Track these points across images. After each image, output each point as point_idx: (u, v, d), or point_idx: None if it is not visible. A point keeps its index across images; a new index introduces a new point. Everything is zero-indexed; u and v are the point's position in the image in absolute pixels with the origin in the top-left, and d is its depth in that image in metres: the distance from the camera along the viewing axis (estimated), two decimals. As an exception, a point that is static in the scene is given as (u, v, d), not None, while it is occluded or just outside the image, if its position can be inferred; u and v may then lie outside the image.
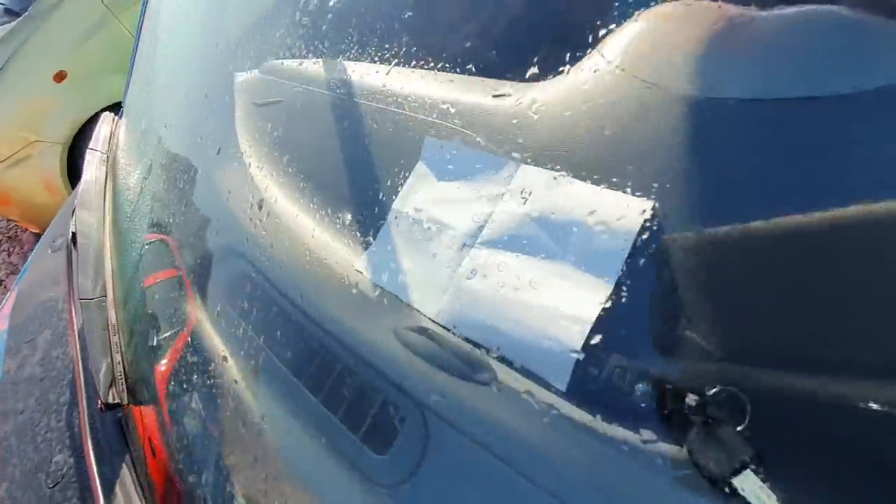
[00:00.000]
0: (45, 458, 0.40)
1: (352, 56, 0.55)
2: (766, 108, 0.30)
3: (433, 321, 0.37)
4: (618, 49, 0.36)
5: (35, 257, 0.56)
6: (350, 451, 0.29)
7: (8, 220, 2.92)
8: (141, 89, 0.67)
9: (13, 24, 1.97)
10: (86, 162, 0.54)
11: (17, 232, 2.86)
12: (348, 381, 0.34)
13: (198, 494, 0.32)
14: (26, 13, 1.96)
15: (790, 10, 0.33)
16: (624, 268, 0.32)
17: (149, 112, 0.61)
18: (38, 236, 2.36)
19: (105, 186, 0.53)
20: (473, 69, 0.46)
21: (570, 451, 0.30)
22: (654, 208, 0.32)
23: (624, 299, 0.31)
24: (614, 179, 0.33)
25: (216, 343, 0.39)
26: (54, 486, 0.38)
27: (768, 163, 0.29)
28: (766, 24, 0.35)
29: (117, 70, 1.90)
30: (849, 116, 0.27)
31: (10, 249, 2.71)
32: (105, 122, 0.61)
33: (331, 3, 0.59)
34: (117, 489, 0.33)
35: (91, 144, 0.56)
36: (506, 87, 0.43)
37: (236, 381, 0.37)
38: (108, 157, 0.56)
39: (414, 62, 0.49)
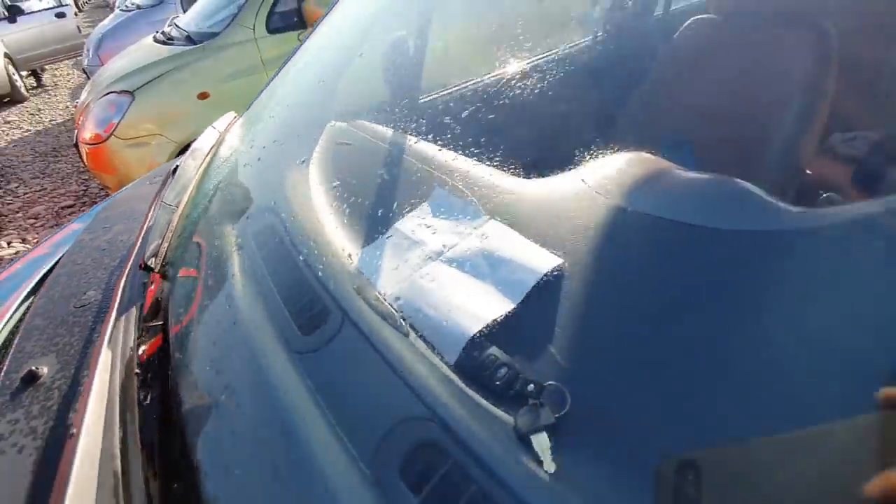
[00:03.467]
0: (80, 292, 0.53)
1: (403, 129, 0.75)
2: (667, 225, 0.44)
3: (385, 298, 0.50)
4: (590, 171, 0.52)
5: (134, 183, 0.74)
6: (292, 334, 0.40)
7: (101, 189, 3.35)
8: (261, 110, 0.91)
9: (189, 48, 2.50)
10: (204, 133, 0.75)
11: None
12: (315, 305, 0.47)
13: (173, 341, 0.44)
14: (201, 44, 2.50)
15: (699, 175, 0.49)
16: (524, 297, 0.45)
17: (261, 124, 0.83)
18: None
19: (208, 156, 0.73)
20: (487, 159, 0.63)
21: (436, 392, 0.39)
22: (558, 266, 0.45)
23: (513, 315, 0.43)
24: (548, 243, 0.47)
25: (228, 260, 0.53)
26: (78, 307, 0.51)
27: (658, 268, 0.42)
28: (681, 178, 0.51)
29: (247, 105, 2.33)
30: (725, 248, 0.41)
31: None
32: (226, 117, 0.84)
33: (400, 101, 0.82)
34: (122, 320, 0.46)
35: (213, 124, 0.78)
36: (505, 176, 0.59)
37: (227, 275, 0.49)
38: (219, 137, 0.77)
39: (448, 144, 0.67)
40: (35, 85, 6.78)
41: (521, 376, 0.40)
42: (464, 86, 1.24)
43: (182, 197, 0.58)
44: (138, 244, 0.52)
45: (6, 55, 5.81)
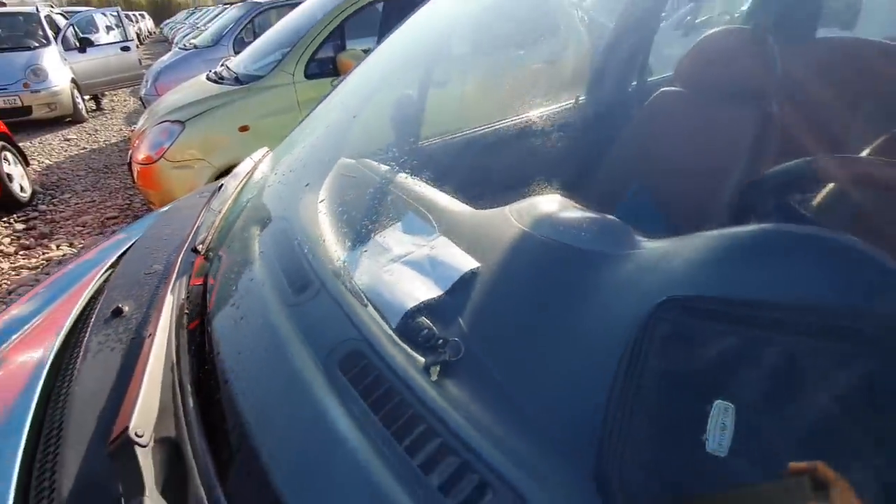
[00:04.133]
0: (148, 265, 0.75)
1: (395, 167, 0.98)
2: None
3: (354, 281, 0.70)
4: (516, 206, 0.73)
5: (189, 195, 0.99)
6: (287, 294, 0.61)
7: (143, 203, 3.70)
8: (289, 145, 1.16)
9: (236, 87, 2.86)
10: (243, 161, 1.00)
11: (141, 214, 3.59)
12: (306, 279, 0.68)
13: (208, 294, 0.65)
14: (247, 85, 2.85)
15: (587, 214, 0.70)
16: (449, 287, 0.65)
17: (287, 157, 1.07)
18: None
19: (244, 179, 0.97)
20: (452, 192, 0.85)
21: (381, 341, 0.59)
22: (475, 268, 0.65)
23: (439, 298, 0.63)
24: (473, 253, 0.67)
25: (251, 249, 0.74)
26: (147, 274, 0.73)
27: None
28: (573, 215, 0.71)
29: (281, 140, 2.64)
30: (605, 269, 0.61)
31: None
32: (261, 151, 1.09)
33: (398, 146, 1.06)
34: (177, 282, 0.68)
35: (251, 156, 1.03)
36: (462, 207, 0.80)
37: (249, 258, 0.71)
38: (254, 165, 1.02)
39: (425, 180, 0.89)
40: (95, 108, 7.46)
41: (436, 334, 0.60)
42: (451, 136, 1.49)
43: (223, 206, 0.81)
44: (191, 235, 0.75)
45: (73, 80, 6.46)
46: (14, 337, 0.78)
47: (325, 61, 2.96)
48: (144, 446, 0.40)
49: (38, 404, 0.53)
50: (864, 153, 0.80)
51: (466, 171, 1.33)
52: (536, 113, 1.76)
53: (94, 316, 0.65)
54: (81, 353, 0.56)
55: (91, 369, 0.53)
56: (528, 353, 0.53)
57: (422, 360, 0.56)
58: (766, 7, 1.55)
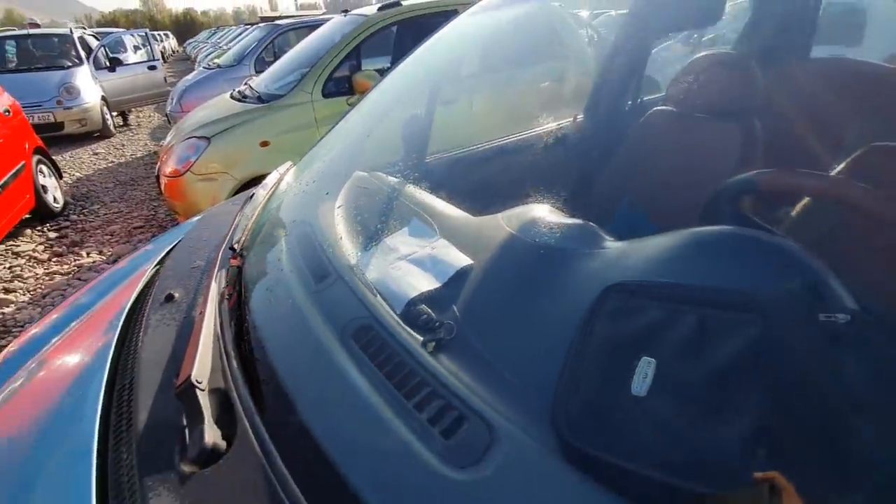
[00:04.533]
0: (193, 260, 0.89)
1: (403, 179, 1.10)
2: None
3: (366, 275, 0.82)
4: (508, 213, 0.85)
5: (223, 203, 1.13)
6: (309, 283, 0.74)
7: (168, 214, 3.90)
8: (310, 159, 1.30)
9: (258, 106, 3.05)
10: (271, 174, 1.14)
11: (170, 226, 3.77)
12: (325, 271, 0.80)
13: (243, 282, 0.78)
14: (268, 104, 3.04)
15: (567, 220, 0.81)
16: (446, 280, 0.77)
17: (308, 169, 1.21)
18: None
19: (272, 189, 1.10)
20: (454, 201, 0.96)
21: (389, 323, 0.71)
22: (468, 265, 0.76)
23: (437, 290, 0.75)
24: (467, 252, 0.79)
25: (277, 246, 0.87)
26: (192, 268, 0.86)
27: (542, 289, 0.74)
28: (556, 220, 0.83)
29: (300, 155, 2.81)
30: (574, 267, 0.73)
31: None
32: (286, 165, 1.23)
33: (406, 161, 1.19)
34: (218, 274, 0.81)
35: (277, 169, 1.17)
36: (462, 214, 0.92)
37: (275, 253, 0.83)
38: (279, 177, 1.16)
39: (430, 191, 1.01)
40: (122, 124, 7.80)
41: (433, 318, 0.71)
42: (456, 152, 1.62)
43: (254, 212, 0.95)
44: (228, 236, 0.88)
45: (103, 98, 6.80)
46: (73, 324, 0.92)
47: (341, 80, 3.14)
48: (203, 390, 0.52)
49: (110, 367, 0.66)
50: (842, 166, 0.90)
51: (469, 184, 1.45)
52: (536, 131, 1.89)
53: (149, 302, 0.78)
54: (143, 328, 0.69)
55: (153, 339, 0.66)
56: (506, 331, 0.64)
57: (420, 338, 0.68)
58: (763, 27, 1.66)
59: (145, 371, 0.60)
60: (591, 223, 0.80)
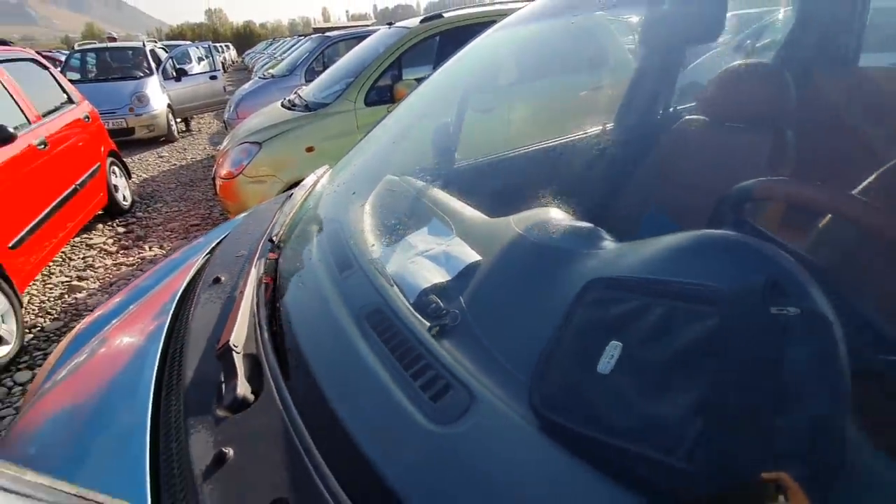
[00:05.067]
0: (238, 250, 1.01)
1: (430, 183, 1.19)
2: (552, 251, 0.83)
3: (385, 268, 0.91)
4: (518, 216, 0.92)
5: (266, 202, 1.27)
6: (335, 272, 0.83)
7: (221, 213, 4.19)
8: (345, 163, 1.41)
9: (305, 114, 3.25)
10: (308, 177, 1.26)
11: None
12: (349, 264, 0.89)
13: (278, 270, 0.89)
14: (314, 112, 3.23)
15: (572, 222, 0.87)
16: (456, 274, 0.84)
17: (342, 172, 1.32)
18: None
19: (309, 190, 1.23)
20: (473, 204, 1.04)
21: (402, 312, 0.79)
22: (477, 262, 0.84)
23: (447, 281, 0.83)
24: (477, 249, 0.86)
25: (310, 241, 0.98)
26: (237, 256, 0.98)
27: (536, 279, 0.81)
28: (562, 223, 0.89)
29: (339, 159, 2.98)
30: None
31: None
32: (322, 168, 1.35)
33: (435, 166, 1.27)
34: (258, 262, 0.92)
35: (315, 172, 1.30)
36: (479, 216, 1.00)
37: (309, 246, 0.94)
38: (316, 179, 1.27)
39: (454, 194, 1.10)
40: (185, 129, 8.39)
41: (441, 307, 0.79)
42: (484, 158, 1.69)
43: (292, 210, 1.06)
44: (268, 230, 1.00)
45: (169, 105, 7.35)
46: (133, 305, 1.06)
47: (383, 90, 3.29)
48: (238, 353, 0.62)
49: (165, 337, 0.78)
50: (871, 178, 0.92)
51: (492, 189, 1.52)
52: (566, 139, 1.94)
53: (199, 284, 0.90)
54: (194, 304, 0.81)
55: (201, 314, 0.78)
56: (503, 319, 0.71)
57: (427, 323, 0.76)
58: (807, 34, 1.64)
59: (193, 339, 0.71)
60: (595, 226, 0.85)
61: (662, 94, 1.92)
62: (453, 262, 0.90)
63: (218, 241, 1.12)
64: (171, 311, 0.85)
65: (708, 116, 1.44)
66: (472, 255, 0.88)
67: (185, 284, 0.96)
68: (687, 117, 1.57)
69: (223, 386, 0.59)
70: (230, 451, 0.50)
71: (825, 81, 1.51)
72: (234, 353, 0.61)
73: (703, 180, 1.37)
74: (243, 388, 0.58)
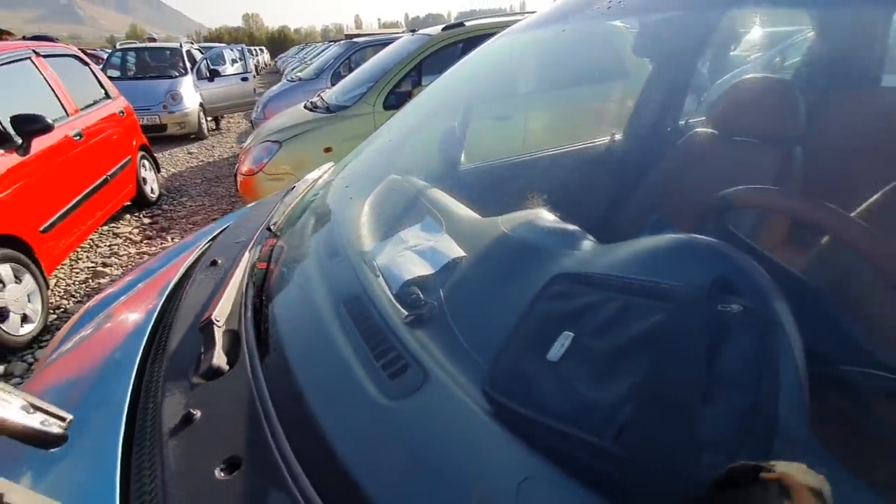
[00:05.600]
0: (237, 237, 1.07)
1: (430, 184, 1.22)
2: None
3: (372, 259, 0.94)
4: (505, 217, 0.94)
5: (271, 196, 1.33)
6: (324, 258, 0.87)
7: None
8: (346, 161, 1.46)
9: (326, 115, 3.34)
10: (312, 172, 1.31)
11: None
12: (339, 253, 0.93)
13: (273, 254, 0.93)
14: (335, 114, 3.32)
15: (558, 224, 0.90)
16: (439, 268, 0.87)
17: (345, 169, 1.37)
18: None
19: (311, 185, 1.28)
20: (468, 204, 1.07)
21: (383, 301, 0.82)
22: (460, 255, 0.87)
23: (430, 275, 0.86)
24: (462, 245, 0.89)
25: (306, 231, 1.02)
26: (236, 243, 1.04)
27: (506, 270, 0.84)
28: (546, 224, 0.91)
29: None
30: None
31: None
32: (327, 165, 1.40)
33: (440, 169, 1.31)
34: (255, 249, 0.97)
35: (319, 168, 1.35)
36: (471, 215, 1.03)
37: (305, 236, 0.98)
38: (319, 175, 1.32)
39: (452, 194, 1.13)
40: (214, 128, 8.67)
41: (421, 298, 0.82)
42: (488, 163, 1.72)
43: (292, 202, 1.11)
44: (267, 220, 1.05)
45: (200, 104, 7.62)
46: (140, 285, 1.12)
47: (401, 94, 3.36)
48: (220, 328, 0.66)
49: (158, 313, 0.83)
50: (876, 197, 0.91)
51: (491, 192, 1.55)
52: (573, 147, 1.95)
53: (199, 265, 0.96)
54: (190, 283, 0.86)
55: (195, 292, 0.83)
56: (476, 310, 0.74)
57: (405, 312, 0.79)
58: (826, 52, 1.63)
59: (183, 314, 0.76)
60: (581, 228, 0.87)
61: (673, 105, 1.92)
62: (438, 257, 0.92)
63: (222, 228, 1.18)
64: (169, 290, 0.90)
65: (717, 130, 1.44)
66: (458, 251, 0.91)
67: (185, 267, 1.01)
68: (695, 130, 1.57)
69: (202, 356, 0.63)
70: (198, 413, 0.54)
71: (841, 100, 1.49)
72: (215, 327, 0.66)
73: (708, 194, 1.36)
74: (219, 359, 0.62)
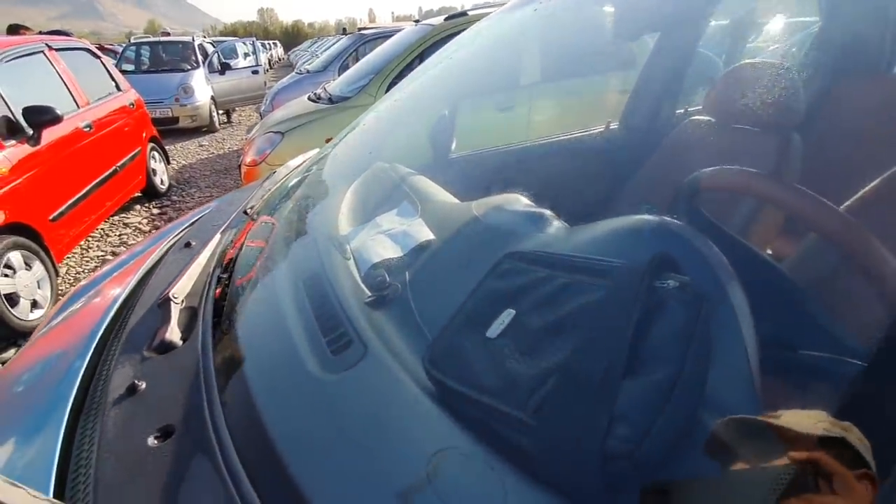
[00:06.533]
0: (215, 221, 1.08)
1: (414, 170, 1.22)
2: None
3: (345, 243, 0.95)
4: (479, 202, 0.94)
5: (254, 183, 1.35)
6: (293, 239, 0.88)
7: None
8: (335, 146, 1.47)
9: (328, 106, 3.35)
10: (297, 157, 1.31)
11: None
12: (308, 236, 0.94)
13: (246, 238, 0.94)
14: (337, 104, 3.33)
15: (530, 209, 0.89)
16: (408, 250, 0.87)
17: (332, 155, 1.38)
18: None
19: (294, 170, 1.28)
20: (449, 189, 1.07)
21: (348, 283, 0.83)
22: (430, 238, 0.87)
23: (398, 258, 0.86)
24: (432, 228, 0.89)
25: (285, 212, 1.03)
26: (212, 226, 1.05)
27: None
28: (519, 210, 0.91)
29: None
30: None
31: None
32: (313, 150, 1.41)
33: (427, 157, 1.30)
34: (229, 231, 0.98)
35: (304, 154, 1.35)
36: (449, 200, 1.02)
37: (279, 219, 0.99)
38: (304, 161, 1.33)
39: (435, 180, 1.12)
40: (225, 121, 8.76)
41: (387, 280, 0.82)
42: (478, 151, 1.71)
43: (272, 186, 1.12)
44: (244, 204, 1.06)
45: (212, 97, 7.70)
46: (124, 267, 1.15)
47: (404, 86, 3.35)
48: (177, 304, 0.67)
49: (130, 291, 0.85)
50: (873, 184, 0.89)
51: (476, 180, 1.54)
52: (567, 136, 1.93)
53: (174, 247, 0.97)
54: (162, 264, 0.88)
55: (164, 273, 0.84)
56: (438, 291, 0.74)
57: (367, 293, 0.79)
58: (832, 39, 1.58)
59: (148, 293, 0.77)
60: (550, 211, 0.86)
61: (669, 93, 1.88)
62: (409, 241, 0.92)
63: (202, 213, 1.19)
64: (142, 273, 0.92)
65: (714, 117, 1.41)
66: (426, 235, 0.91)
67: (164, 249, 1.03)
68: (692, 118, 1.54)
69: (157, 332, 0.64)
70: (143, 385, 0.55)
71: (845, 86, 1.44)
72: (172, 304, 0.67)
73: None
74: (173, 335, 0.63)
